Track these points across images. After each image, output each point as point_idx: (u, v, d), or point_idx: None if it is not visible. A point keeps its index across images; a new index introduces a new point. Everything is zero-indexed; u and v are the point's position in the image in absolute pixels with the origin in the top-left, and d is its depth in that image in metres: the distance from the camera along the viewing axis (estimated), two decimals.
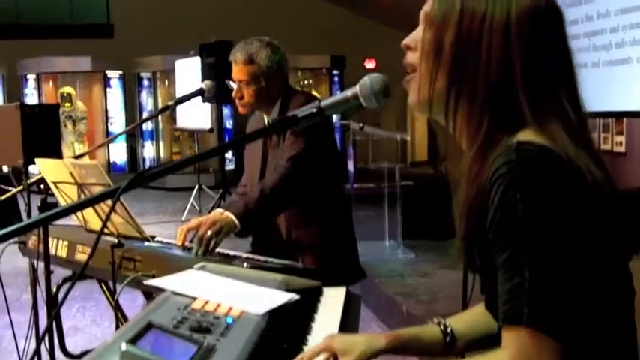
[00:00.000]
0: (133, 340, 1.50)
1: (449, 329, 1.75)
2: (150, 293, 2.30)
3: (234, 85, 3.31)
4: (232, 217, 3.03)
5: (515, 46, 1.43)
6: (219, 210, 3.10)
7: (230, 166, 14.12)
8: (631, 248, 1.50)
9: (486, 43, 1.44)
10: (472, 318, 1.77)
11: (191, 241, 2.98)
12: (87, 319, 6.02)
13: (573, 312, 1.33)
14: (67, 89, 15.12)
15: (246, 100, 3.30)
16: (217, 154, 1.86)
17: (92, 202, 1.70)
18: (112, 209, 1.63)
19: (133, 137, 16.39)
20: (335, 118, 13.52)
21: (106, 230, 3.06)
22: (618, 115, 7.87)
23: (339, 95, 1.70)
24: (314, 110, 1.67)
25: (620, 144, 8.15)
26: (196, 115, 12.34)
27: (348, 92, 1.67)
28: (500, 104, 1.43)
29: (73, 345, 4.75)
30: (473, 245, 1.47)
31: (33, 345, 3.36)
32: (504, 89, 1.43)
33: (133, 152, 16.51)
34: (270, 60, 3.28)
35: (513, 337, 1.34)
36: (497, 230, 1.36)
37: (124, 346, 1.46)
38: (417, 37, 1.55)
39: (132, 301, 4.85)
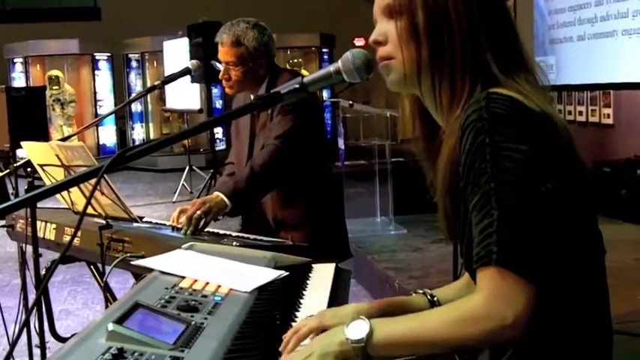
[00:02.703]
0: (120, 320, 1.51)
1: (435, 299, 1.77)
2: (140, 274, 2.30)
3: (220, 67, 3.29)
4: (222, 196, 3.04)
5: (475, 8, 1.51)
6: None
7: (221, 146, 14.10)
8: (595, 198, 1.55)
9: (454, 11, 1.51)
10: (455, 290, 1.79)
11: None
12: (78, 303, 6.02)
13: (542, 252, 1.36)
14: (55, 72, 15.05)
15: (233, 81, 3.28)
16: (200, 132, 1.85)
17: (76, 181, 1.69)
18: (95, 188, 1.62)
19: (123, 119, 16.34)
20: (325, 95, 13.51)
21: (93, 212, 3.06)
22: (604, 87, 7.89)
23: (321, 71, 1.70)
24: (297, 86, 1.67)
25: (608, 116, 8.17)
26: (186, 96, 12.28)
27: (331, 68, 1.67)
28: (474, 66, 1.50)
29: (65, 328, 4.76)
30: (453, 199, 1.51)
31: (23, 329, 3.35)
32: (476, 51, 1.50)
33: (122, 134, 16.46)
34: (258, 41, 3.26)
35: (485, 277, 1.37)
36: (468, 175, 1.41)
37: (110, 326, 1.47)
38: (383, 30, 1.59)
39: (123, 284, 4.86)
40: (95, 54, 16.10)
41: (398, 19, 1.55)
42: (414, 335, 1.42)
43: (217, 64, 3.31)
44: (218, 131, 14.33)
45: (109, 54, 16.31)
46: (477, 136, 1.39)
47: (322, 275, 2.28)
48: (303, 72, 14.18)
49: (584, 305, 1.49)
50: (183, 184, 11.07)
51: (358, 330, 1.45)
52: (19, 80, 15.95)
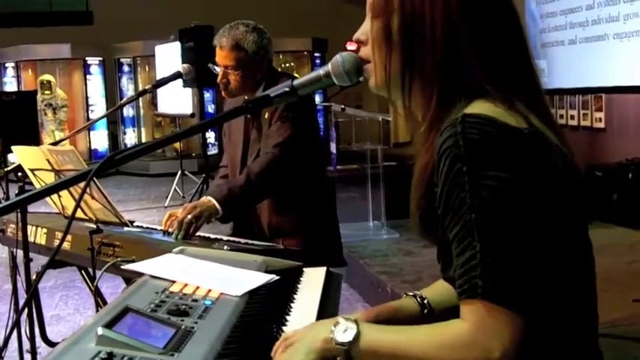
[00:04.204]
0: (110, 325, 1.50)
1: (425, 301, 1.76)
2: (130, 279, 2.29)
3: (217, 70, 3.26)
4: (214, 201, 3.03)
5: (457, 15, 1.43)
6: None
7: (213, 151, 14.08)
8: (589, 213, 1.51)
9: (429, 17, 1.44)
10: (444, 288, 1.75)
11: None
12: (70, 308, 6.00)
13: (528, 282, 1.32)
14: (47, 77, 15.00)
15: (232, 85, 3.25)
16: (190, 135, 1.83)
17: (66, 184, 1.68)
18: (84, 191, 1.61)
19: (115, 124, 16.32)
20: (317, 99, 13.53)
21: (84, 217, 3.05)
22: (596, 91, 7.91)
23: (311, 74, 1.69)
24: (286, 89, 1.66)
25: (600, 120, 8.19)
26: (178, 101, 12.28)
27: (321, 71, 1.66)
28: (449, 76, 1.44)
29: (56, 334, 4.75)
30: (425, 215, 1.47)
31: (14, 334, 3.34)
32: (452, 60, 1.43)
33: (114, 139, 16.43)
34: (257, 45, 3.22)
35: (470, 310, 1.34)
36: (446, 204, 1.36)
37: (100, 331, 1.46)
38: (366, 30, 1.56)
39: (114, 289, 4.85)
40: (87, 58, 16.07)
41: (375, 19, 1.52)
42: (399, 349, 1.40)
43: (215, 68, 3.28)
44: (210, 136, 14.33)
45: (100, 58, 16.28)
46: (454, 164, 1.34)
47: (313, 279, 2.27)
48: (296, 76, 14.18)
49: (570, 326, 1.45)
50: (175, 189, 11.06)
51: (346, 332, 1.44)
52: (10, 85, 15.94)
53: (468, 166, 1.32)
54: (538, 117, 1.42)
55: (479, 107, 1.38)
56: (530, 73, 1.50)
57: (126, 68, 16.63)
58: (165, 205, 10.48)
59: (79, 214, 3.01)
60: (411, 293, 1.79)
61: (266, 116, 3.21)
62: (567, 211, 1.41)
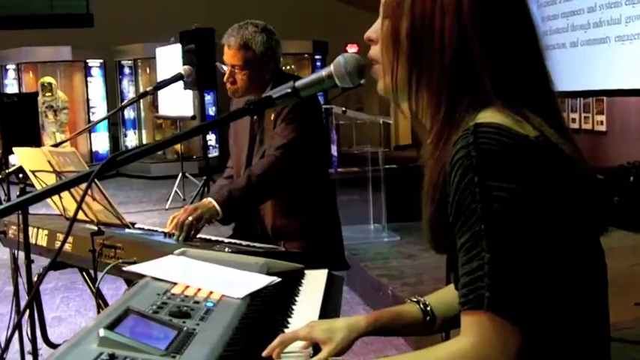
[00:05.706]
0: (112, 326, 1.50)
1: (428, 308, 1.75)
2: (132, 280, 2.29)
3: (224, 69, 3.25)
4: (214, 203, 3.03)
5: (469, 24, 1.40)
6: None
7: (214, 153, 14.09)
8: (603, 223, 1.48)
9: (439, 24, 1.41)
10: (449, 295, 1.74)
11: None
12: (71, 310, 6.00)
13: (535, 296, 1.31)
14: (48, 79, 15.01)
15: (238, 85, 3.25)
16: (192, 136, 1.83)
17: (67, 185, 1.68)
18: (86, 192, 1.61)
19: (115, 126, 16.32)
20: None
21: (85, 218, 3.05)
22: (597, 94, 7.90)
23: (313, 75, 1.69)
24: (289, 91, 1.67)
25: (601, 123, 8.19)
26: (178, 103, 12.28)
27: (323, 72, 1.66)
28: (457, 84, 1.41)
29: (57, 335, 4.74)
30: (437, 227, 1.45)
31: (15, 336, 3.34)
32: (461, 68, 1.40)
33: (115, 141, 16.43)
34: (265, 46, 3.22)
35: (474, 322, 1.32)
36: (456, 213, 1.34)
37: (102, 332, 1.46)
38: (377, 28, 1.53)
39: (115, 290, 4.85)
40: (88, 61, 16.07)
41: (385, 20, 1.49)
42: None
43: (222, 67, 3.27)
44: (211, 138, 14.32)
45: (101, 60, 16.28)
46: (465, 175, 1.32)
47: (315, 281, 2.27)
48: None
49: (580, 337, 1.42)
50: (176, 191, 11.06)
51: None
52: (11, 87, 15.93)
53: (480, 176, 1.30)
54: (550, 125, 1.40)
55: (489, 116, 1.36)
56: (544, 81, 1.47)
57: (127, 70, 16.64)
58: (166, 207, 10.48)
59: (81, 215, 3.01)
60: (415, 299, 1.78)
61: (271, 117, 3.20)
62: (579, 222, 1.39)
